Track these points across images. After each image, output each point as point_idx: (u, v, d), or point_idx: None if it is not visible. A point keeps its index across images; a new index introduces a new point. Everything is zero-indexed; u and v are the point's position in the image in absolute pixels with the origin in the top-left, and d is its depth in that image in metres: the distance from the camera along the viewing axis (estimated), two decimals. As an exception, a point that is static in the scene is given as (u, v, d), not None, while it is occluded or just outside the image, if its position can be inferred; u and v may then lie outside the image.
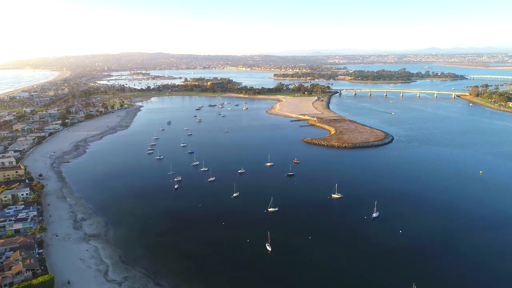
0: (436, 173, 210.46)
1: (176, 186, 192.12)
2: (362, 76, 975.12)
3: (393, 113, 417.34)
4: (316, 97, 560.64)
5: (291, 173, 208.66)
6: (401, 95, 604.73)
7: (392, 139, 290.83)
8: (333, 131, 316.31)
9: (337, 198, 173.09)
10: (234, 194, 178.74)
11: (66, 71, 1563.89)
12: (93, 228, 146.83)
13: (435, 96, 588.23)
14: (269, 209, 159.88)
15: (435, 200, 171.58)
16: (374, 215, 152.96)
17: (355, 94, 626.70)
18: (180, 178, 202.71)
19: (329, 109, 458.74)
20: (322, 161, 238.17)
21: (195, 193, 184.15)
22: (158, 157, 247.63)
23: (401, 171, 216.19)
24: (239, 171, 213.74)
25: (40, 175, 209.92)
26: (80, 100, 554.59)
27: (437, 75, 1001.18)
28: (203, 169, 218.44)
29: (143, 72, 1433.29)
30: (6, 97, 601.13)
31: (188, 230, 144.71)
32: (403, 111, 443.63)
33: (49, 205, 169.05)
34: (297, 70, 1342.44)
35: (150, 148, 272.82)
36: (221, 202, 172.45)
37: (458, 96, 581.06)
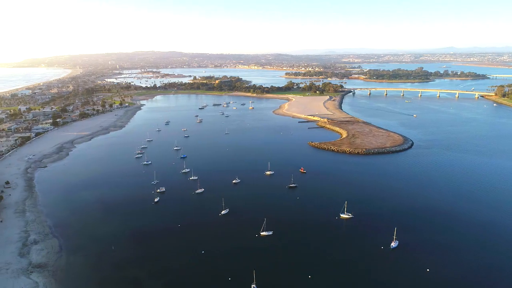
0: (467, 188, 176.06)
1: (156, 200, 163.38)
2: (377, 75, 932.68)
3: (415, 116, 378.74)
4: (327, 97, 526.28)
5: (293, 185, 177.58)
6: (419, 95, 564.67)
7: (412, 144, 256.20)
8: (344, 134, 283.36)
9: (346, 219, 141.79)
10: (223, 212, 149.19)
11: (79, 69, 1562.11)
12: (42, 255, 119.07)
13: (457, 96, 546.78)
14: (261, 233, 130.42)
15: (470, 224, 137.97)
16: (393, 244, 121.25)
17: (369, 94, 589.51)
18: (164, 189, 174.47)
19: (341, 109, 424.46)
20: (330, 170, 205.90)
21: (176, 209, 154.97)
22: (145, 163, 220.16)
23: (425, 183, 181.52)
24: (233, 181, 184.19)
25: (7, 182, 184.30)
26: (82, 98, 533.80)
27: (457, 74, 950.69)
28: (192, 178, 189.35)
29: (154, 70, 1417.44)
30: (8, 94, 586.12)
31: (156, 262, 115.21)
32: (423, 112, 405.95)
33: (1, 221, 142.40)
34: (309, 69, 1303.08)
35: (139, 151, 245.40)
36: (206, 222, 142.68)
37: (482, 96, 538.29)
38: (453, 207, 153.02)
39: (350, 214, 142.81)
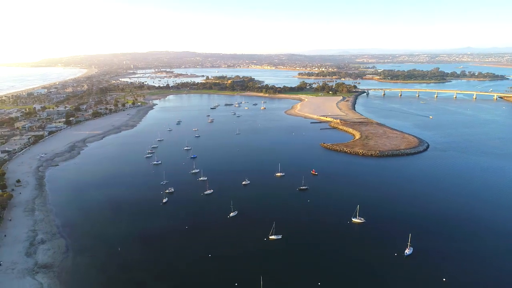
0: (486, 192, 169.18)
1: (165, 200, 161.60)
2: (391, 76, 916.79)
3: (430, 117, 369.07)
4: (341, 97, 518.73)
5: (303, 187, 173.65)
6: (435, 95, 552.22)
7: (428, 146, 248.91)
8: (357, 135, 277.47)
9: (358, 224, 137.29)
10: (231, 214, 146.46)
11: (94, 69, 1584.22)
12: (49, 255, 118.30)
13: (474, 97, 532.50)
14: (270, 237, 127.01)
15: (489, 231, 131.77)
16: (407, 251, 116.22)
17: (384, 94, 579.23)
18: (173, 190, 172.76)
19: (355, 110, 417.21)
20: (342, 172, 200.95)
21: (185, 210, 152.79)
22: (155, 162, 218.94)
23: (441, 187, 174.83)
24: (243, 183, 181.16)
25: (18, 181, 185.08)
26: (96, 97, 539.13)
27: (474, 75, 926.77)
28: (201, 178, 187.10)
29: (167, 70, 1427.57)
30: (24, 93, 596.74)
31: (162, 264, 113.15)
32: (439, 113, 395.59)
33: (10, 220, 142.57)
34: (323, 69, 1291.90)
35: (150, 151, 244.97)
36: (214, 224, 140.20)
37: (501, 97, 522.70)
38: (471, 213, 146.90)
39: (362, 219, 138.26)
